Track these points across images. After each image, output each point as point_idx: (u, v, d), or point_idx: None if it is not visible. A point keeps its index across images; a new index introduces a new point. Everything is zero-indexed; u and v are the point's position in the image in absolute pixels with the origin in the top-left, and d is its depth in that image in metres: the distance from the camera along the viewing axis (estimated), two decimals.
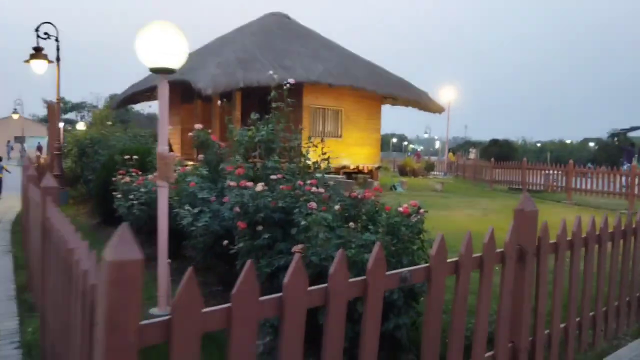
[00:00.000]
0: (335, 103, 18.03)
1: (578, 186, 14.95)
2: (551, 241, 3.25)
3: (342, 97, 18.15)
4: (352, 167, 18.58)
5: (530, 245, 3.01)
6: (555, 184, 15.92)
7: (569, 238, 3.39)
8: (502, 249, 2.88)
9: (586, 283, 3.65)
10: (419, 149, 39.43)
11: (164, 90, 4.15)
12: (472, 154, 34.25)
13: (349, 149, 18.51)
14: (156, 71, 3.98)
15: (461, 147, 50.58)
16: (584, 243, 3.57)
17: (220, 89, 13.90)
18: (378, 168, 19.32)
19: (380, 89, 17.97)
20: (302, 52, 17.06)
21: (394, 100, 20.61)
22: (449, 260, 2.57)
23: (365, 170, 19.01)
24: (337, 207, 3.84)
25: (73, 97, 62.75)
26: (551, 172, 16.39)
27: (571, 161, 15.11)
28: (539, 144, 46.62)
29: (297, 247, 3.34)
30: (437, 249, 2.47)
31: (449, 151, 30.71)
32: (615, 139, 31.30)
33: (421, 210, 3.76)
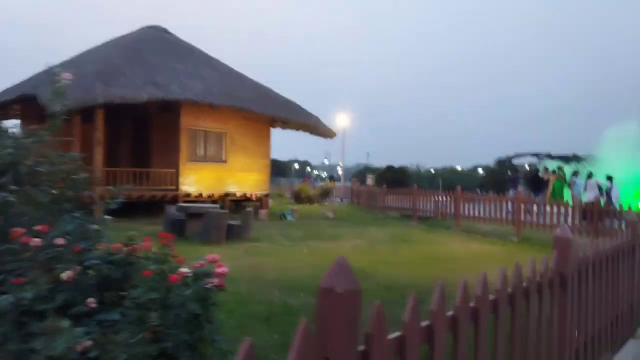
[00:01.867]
0: (218, 125, 16.55)
1: (467, 213, 14.68)
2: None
3: (227, 120, 16.72)
4: (238, 194, 17.08)
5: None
6: (445, 210, 15.60)
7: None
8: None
9: None
10: (324, 175, 38.80)
11: None
12: (370, 180, 34.22)
13: (235, 175, 17.05)
14: None
15: (361, 173, 51.05)
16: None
17: (74, 105, 11.83)
18: (267, 195, 18.00)
19: (268, 111, 16.80)
20: (179, 69, 15.47)
21: (285, 124, 19.55)
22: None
23: (254, 198, 17.60)
24: (66, 274, 2.29)
25: None
26: (441, 198, 16.09)
27: (459, 187, 14.84)
28: (433, 171, 48.24)
29: None
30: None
31: (353, 177, 30.51)
32: (503, 165, 33.10)
33: (220, 270, 2.40)
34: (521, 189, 15.95)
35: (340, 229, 13.64)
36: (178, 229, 10.91)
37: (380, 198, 19.33)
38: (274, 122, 18.76)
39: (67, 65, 13.81)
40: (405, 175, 29.70)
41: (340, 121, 28.54)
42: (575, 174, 17.42)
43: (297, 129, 19.65)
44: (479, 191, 31.29)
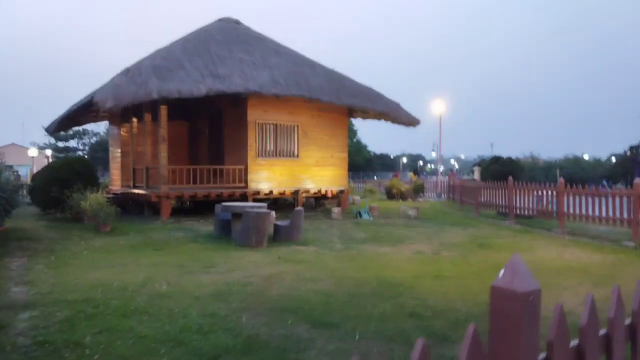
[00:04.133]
0: (289, 118, 15.61)
1: (575, 211, 12.05)
2: None
3: (298, 111, 15.74)
4: (312, 190, 16.03)
5: None
6: (548, 207, 13.06)
7: None
8: None
9: None
10: (440, 169, 36.41)
11: None
12: (476, 173, 31.30)
13: (309, 170, 16.01)
14: None
15: (480, 165, 47.31)
16: None
17: (126, 101, 11.62)
18: (343, 191, 16.70)
19: (340, 99, 15.47)
20: (244, 60, 14.75)
21: (364, 114, 18.11)
22: None
23: (329, 195, 16.44)
24: None
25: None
26: (543, 193, 13.53)
27: (562, 179, 12.24)
28: (554, 161, 42.81)
29: None
30: None
31: (450, 171, 27.74)
32: (633, 151, 27.90)
33: None
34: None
35: (413, 230, 11.94)
36: (226, 229, 10.13)
37: (476, 193, 17.05)
38: (351, 111, 17.41)
39: (134, 66, 13.80)
40: (515, 166, 26.38)
41: (436, 108, 26.21)
42: None
43: (378, 118, 18.09)
44: (605, 183, 26.95)
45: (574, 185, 12.16)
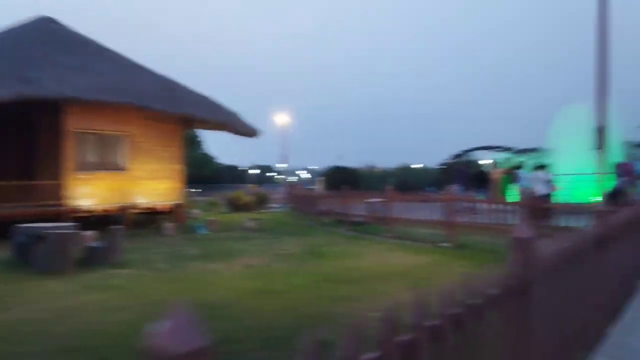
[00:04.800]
0: (116, 127, 14.21)
1: (402, 216, 12.79)
2: None
3: (127, 120, 14.40)
4: (143, 206, 14.77)
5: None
6: (378, 214, 13.71)
7: None
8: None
9: None
10: (289, 180, 36.54)
11: None
12: (319, 183, 32.28)
13: (139, 183, 14.73)
14: None
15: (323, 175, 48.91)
16: None
17: None
18: (180, 206, 15.72)
19: (174, 108, 14.57)
20: (60, 62, 13.08)
21: (203, 124, 17.38)
22: None
23: (163, 210, 15.32)
24: None
25: None
26: (374, 200, 14.20)
27: (390, 186, 12.98)
28: (389, 169, 46.51)
29: None
30: None
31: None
32: (459, 160, 31.49)
33: None
34: (457, 186, 14.16)
35: (249, 243, 11.56)
36: (24, 254, 8.63)
37: (315, 202, 17.35)
38: (187, 121, 16.53)
39: None
40: (354, 175, 27.77)
41: (280, 120, 26.44)
42: (519, 166, 15.85)
43: (218, 129, 17.49)
44: (431, 189, 29.71)
45: (403, 192, 12.94)
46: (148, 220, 16.05)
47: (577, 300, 3.49)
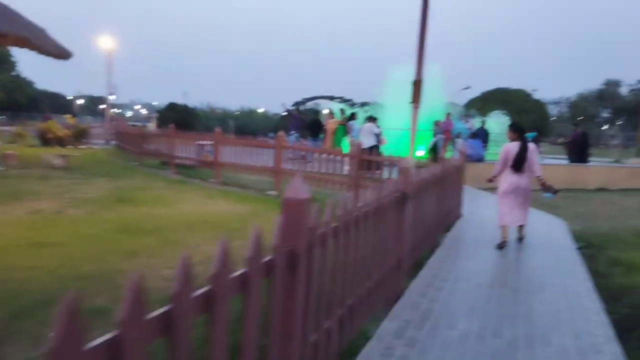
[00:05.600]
0: None
1: (232, 161, 12.14)
2: None
3: None
4: None
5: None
6: (208, 157, 12.88)
7: None
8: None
9: None
10: (126, 114, 32.86)
11: None
12: (152, 122, 29.96)
13: None
14: None
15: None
16: None
17: None
18: None
19: None
20: None
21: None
22: None
23: None
24: None
25: None
26: (206, 142, 13.28)
27: (218, 129, 12.16)
28: (230, 112, 45.09)
29: None
30: None
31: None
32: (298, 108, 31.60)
33: None
34: (293, 133, 13.95)
35: (48, 184, 9.93)
36: None
37: (140, 141, 15.77)
38: None
39: None
40: (190, 115, 26.10)
41: (104, 44, 23.38)
42: (352, 116, 16.19)
43: (19, 45, 14.52)
44: (271, 135, 29.53)
45: (242, 137, 12.22)
46: None
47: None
